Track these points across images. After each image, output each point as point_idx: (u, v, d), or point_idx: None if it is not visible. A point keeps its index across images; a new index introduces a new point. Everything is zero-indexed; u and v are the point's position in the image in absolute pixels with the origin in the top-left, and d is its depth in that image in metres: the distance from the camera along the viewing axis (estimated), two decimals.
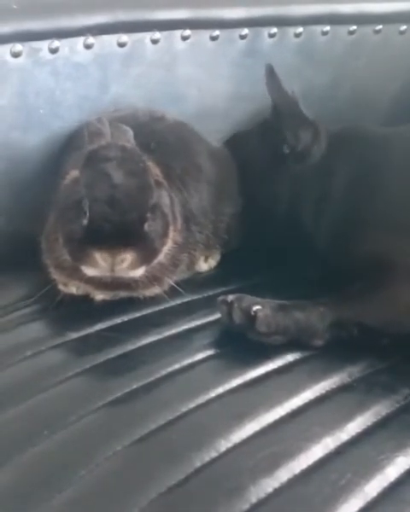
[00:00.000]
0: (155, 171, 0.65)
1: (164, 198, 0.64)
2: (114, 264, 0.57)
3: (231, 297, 0.60)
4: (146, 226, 0.59)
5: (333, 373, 0.55)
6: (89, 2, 0.74)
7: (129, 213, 0.57)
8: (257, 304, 0.59)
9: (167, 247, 0.64)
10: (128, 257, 0.57)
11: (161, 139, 0.70)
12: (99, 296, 0.65)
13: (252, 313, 0.58)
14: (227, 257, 0.78)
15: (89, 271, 0.60)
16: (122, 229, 0.57)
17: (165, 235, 0.62)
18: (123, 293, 0.65)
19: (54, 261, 0.65)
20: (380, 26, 0.90)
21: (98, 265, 0.58)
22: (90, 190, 0.58)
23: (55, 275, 0.66)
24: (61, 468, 0.45)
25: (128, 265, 0.58)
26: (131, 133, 0.65)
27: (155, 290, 0.65)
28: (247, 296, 0.61)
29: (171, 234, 0.64)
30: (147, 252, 0.59)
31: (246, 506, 0.42)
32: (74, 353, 0.58)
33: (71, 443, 0.47)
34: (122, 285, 0.63)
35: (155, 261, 0.62)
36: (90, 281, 0.62)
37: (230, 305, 0.60)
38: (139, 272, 0.60)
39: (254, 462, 0.45)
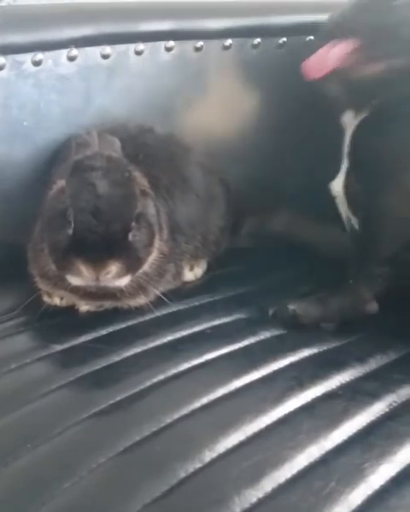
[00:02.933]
0: (141, 181, 0.65)
1: (150, 208, 0.64)
2: (99, 274, 0.57)
3: (271, 311, 0.67)
4: (131, 236, 0.59)
5: (318, 381, 0.55)
6: (72, 14, 0.74)
7: (113, 224, 0.58)
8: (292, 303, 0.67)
9: (153, 257, 0.64)
10: (113, 267, 0.58)
11: (149, 151, 0.71)
12: (84, 307, 0.66)
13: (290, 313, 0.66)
14: (213, 266, 0.78)
15: (74, 281, 0.60)
16: (106, 240, 0.57)
17: (150, 244, 0.62)
18: (108, 304, 0.65)
19: (39, 271, 0.65)
20: None
21: (83, 275, 0.58)
22: (74, 200, 0.59)
23: (41, 284, 0.66)
24: (45, 481, 0.44)
25: (113, 275, 0.58)
26: (118, 144, 0.65)
27: (141, 300, 0.65)
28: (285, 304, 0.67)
29: (157, 243, 0.64)
30: (132, 261, 0.59)
31: None
32: (59, 365, 0.58)
33: (55, 455, 0.47)
34: (107, 295, 0.63)
35: (140, 271, 0.62)
36: (75, 290, 0.62)
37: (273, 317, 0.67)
38: (124, 281, 0.60)
39: (238, 473, 0.45)
